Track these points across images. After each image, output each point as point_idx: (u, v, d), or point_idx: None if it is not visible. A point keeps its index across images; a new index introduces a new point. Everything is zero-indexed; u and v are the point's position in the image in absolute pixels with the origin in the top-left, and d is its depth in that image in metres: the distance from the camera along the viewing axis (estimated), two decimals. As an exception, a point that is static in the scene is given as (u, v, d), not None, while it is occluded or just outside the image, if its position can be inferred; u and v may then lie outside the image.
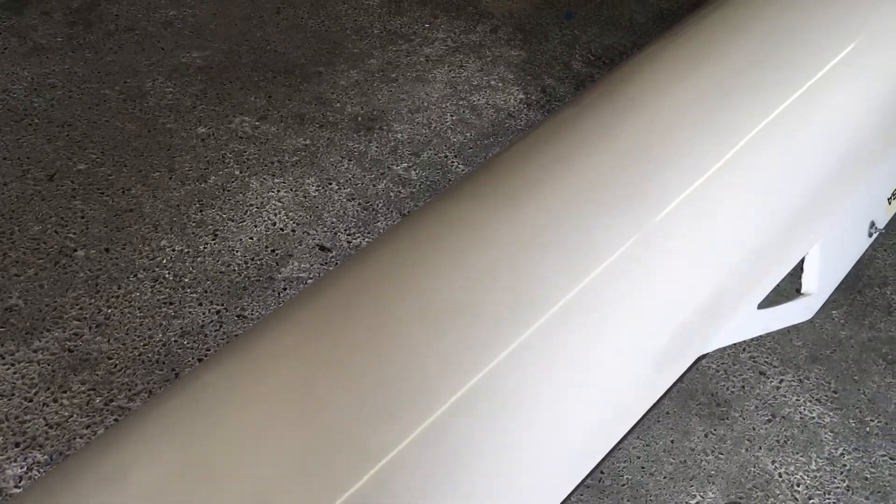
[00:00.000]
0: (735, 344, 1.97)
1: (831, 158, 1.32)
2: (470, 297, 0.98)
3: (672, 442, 1.79)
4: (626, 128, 1.17)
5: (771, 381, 1.94)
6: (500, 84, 2.71)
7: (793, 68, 1.32)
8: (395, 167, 2.36)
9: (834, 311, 2.12)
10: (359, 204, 2.24)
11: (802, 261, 1.31)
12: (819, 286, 1.33)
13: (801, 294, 1.32)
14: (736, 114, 1.24)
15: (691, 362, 1.14)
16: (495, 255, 0.99)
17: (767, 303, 1.26)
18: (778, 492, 1.72)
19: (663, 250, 1.09)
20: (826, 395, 1.92)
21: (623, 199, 1.11)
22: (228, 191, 2.22)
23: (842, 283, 2.23)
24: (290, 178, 2.28)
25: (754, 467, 1.76)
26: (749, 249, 1.20)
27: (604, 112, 1.22)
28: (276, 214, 2.17)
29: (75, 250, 2.01)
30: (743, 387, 1.92)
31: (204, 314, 1.91)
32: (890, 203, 1.48)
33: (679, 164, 1.16)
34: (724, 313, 1.16)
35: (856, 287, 2.19)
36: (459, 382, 0.92)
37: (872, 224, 1.44)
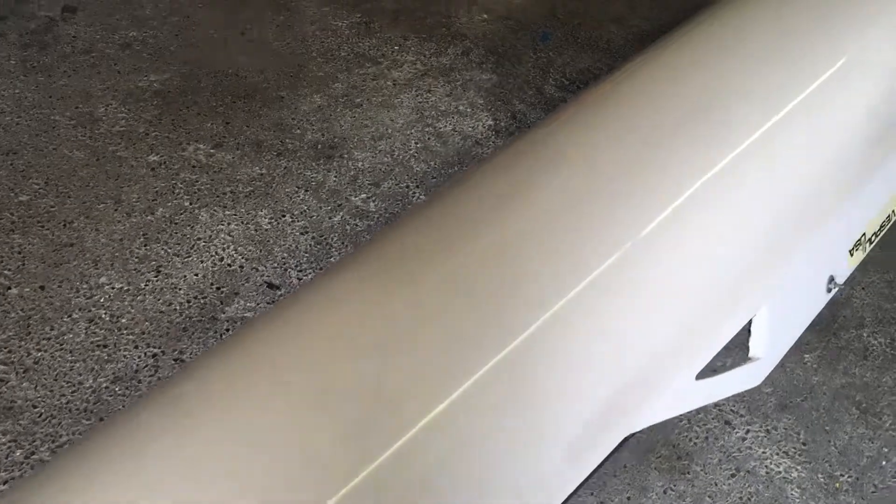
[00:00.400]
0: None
1: (783, 210, 1.23)
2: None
3: (628, 499, 1.69)
4: (545, 188, 1.08)
5: (737, 432, 1.84)
6: (468, 109, 2.62)
7: (743, 111, 1.23)
8: (353, 198, 2.27)
9: (807, 356, 2.02)
10: (312, 238, 2.14)
11: (750, 323, 1.22)
12: (769, 350, 1.23)
13: (749, 359, 1.22)
14: (676, 165, 1.15)
15: (619, 441, 1.04)
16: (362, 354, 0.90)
17: (711, 370, 1.16)
18: (738, 555, 1.62)
19: (587, 317, 1.00)
20: (794, 448, 1.81)
21: (545, 259, 1.02)
22: (176, 223, 2.13)
23: (816, 324, 2.13)
24: (242, 210, 2.19)
25: (714, 528, 1.66)
26: (686, 314, 1.10)
27: (522, 170, 1.13)
28: (224, 249, 2.08)
29: (9, 288, 1.92)
30: (707, 438, 1.82)
31: (139, 358, 1.82)
32: (852, 255, 1.39)
33: (608, 220, 1.07)
34: (657, 386, 1.07)
35: (831, 329, 2.09)
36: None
37: (831, 279, 1.34)
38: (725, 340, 1.15)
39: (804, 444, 1.82)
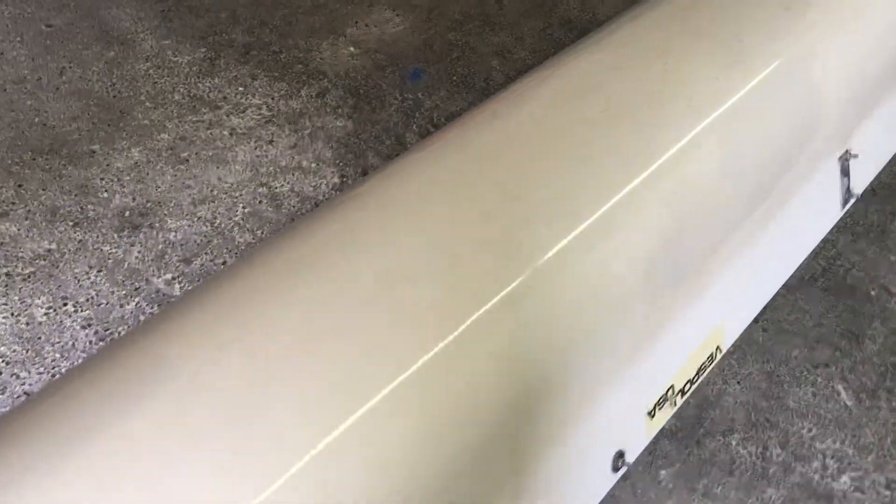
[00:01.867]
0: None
1: (525, 388, 0.93)
2: None
3: None
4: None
5: (568, 577, 1.55)
6: (313, 165, 2.31)
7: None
8: (155, 280, 1.95)
9: (662, 472, 1.74)
10: (95, 333, 1.82)
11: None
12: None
13: None
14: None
15: None
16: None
17: None
18: None
19: None
20: None
21: None
22: (-72, 318, 1.80)
23: (679, 430, 1.85)
24: (16, 298, 1.86)
25: None
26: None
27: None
28: (-19, 350, 1.76)
29: None
30: (531, 587, 1.53)
31: None
32: (653, 417, 1.10)
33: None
34: None
35: (694, 436, 1.81)
36: None
37: (620, 456, 1.05)
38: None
39: (647, 591, 1.55)
